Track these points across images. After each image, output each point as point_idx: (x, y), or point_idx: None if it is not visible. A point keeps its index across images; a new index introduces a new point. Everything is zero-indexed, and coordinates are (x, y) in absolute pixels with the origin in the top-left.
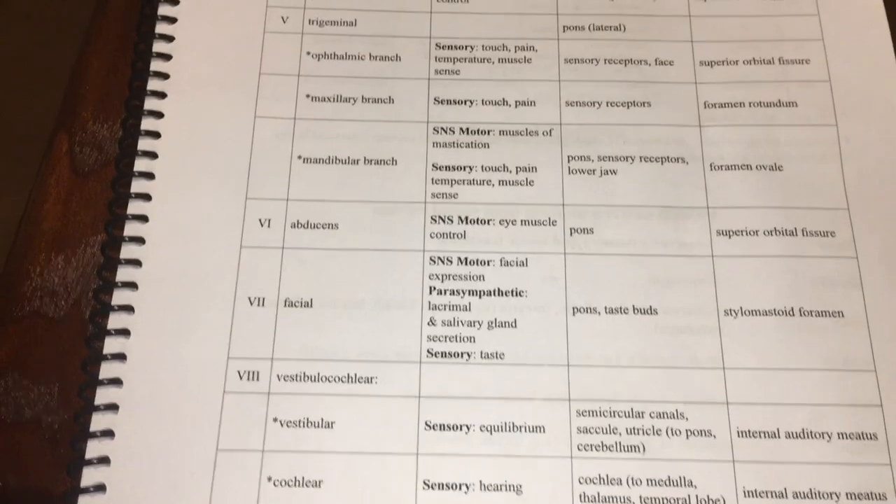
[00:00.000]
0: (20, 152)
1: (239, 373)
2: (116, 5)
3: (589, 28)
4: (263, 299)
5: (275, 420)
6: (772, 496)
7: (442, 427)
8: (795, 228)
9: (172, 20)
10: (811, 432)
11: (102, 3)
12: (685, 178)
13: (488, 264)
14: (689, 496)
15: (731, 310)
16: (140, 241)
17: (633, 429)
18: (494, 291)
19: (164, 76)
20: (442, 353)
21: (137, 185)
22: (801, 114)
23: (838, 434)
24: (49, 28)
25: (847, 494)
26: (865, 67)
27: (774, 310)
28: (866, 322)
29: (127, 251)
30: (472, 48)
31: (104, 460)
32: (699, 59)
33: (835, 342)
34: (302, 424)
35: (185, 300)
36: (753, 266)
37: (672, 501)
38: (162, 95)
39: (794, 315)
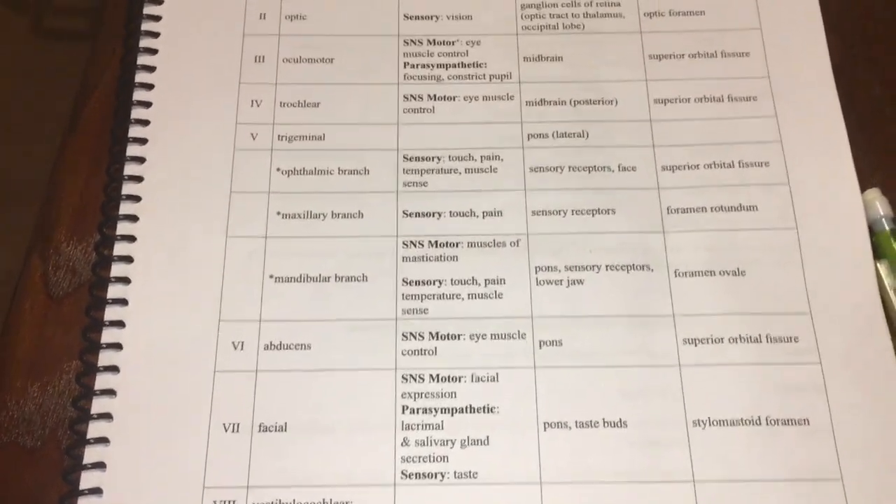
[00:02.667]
0: None
1: (215, 503)
2: (88, 124)
3: (553, 135)
4: (238, 425)
5: None
6: None
7: None
8: (759, 335)
9: (143, 141)
10: None
11: (75, 121)
12: (651, 286)
13: (460, 381)
14: None
15: (699, 420)
16: (114, 369)
17: None
18: (466, 408)
19: (136, 199)
20: (416, 475)
21: (111, 312)
22: (761, 217)
23: None
24: (22, 146)
25: None
26: (824, 169)
27: (741, 419)
28: (832, 429)
29: (101, 381)
30: (438, 159)
31: None
32: (661, 163)
33: (801, 451)
34: None
35: (160, 430)
36: (720, 375)
37: None
38: (134, 218)
39: (760, 424)
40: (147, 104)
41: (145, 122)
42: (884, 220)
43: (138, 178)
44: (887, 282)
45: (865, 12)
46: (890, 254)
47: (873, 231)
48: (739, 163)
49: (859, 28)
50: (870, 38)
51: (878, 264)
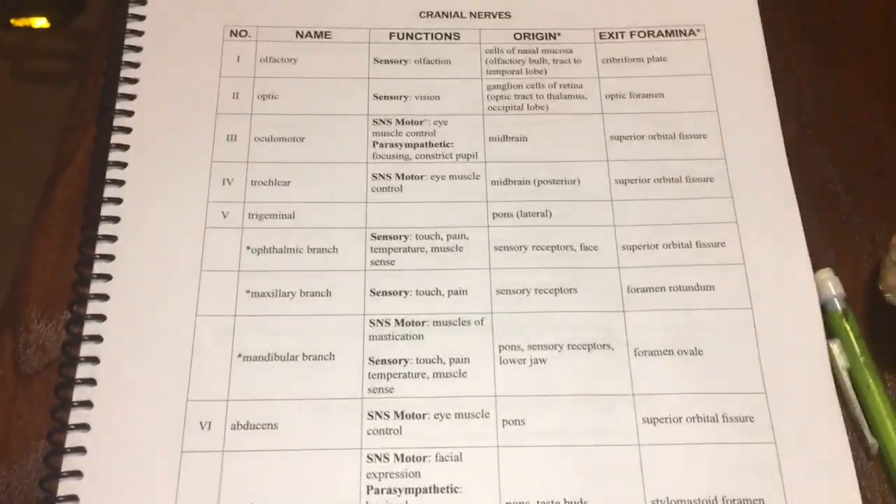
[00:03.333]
0: None
1: None
2: (61, 201)
3: (517, 215)
4: None
5: None
6: None
7: None
8: (716, 414)
9: (115, 219)
10: None
11: (47, 198)
12: (611, 366)
13: (424, 460)
14: None
15: (657, 500)
16: (82, 450)
17: None
18: (430, 489)
19: (107, 277)
20: None
21: (79, 392)
22: (717, 297)
23: None
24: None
25: None
26: (778, 249)
27: (699, 499)
28: None
29: (68, 462)
30: (405, 237)
31: None
32: (621, 243)
33: None
34: None
35: None
36: (678, 454)
37: None
38: (104, 297)
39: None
40: (120, 182)
41: (118, 201)
42: (836, 300)
43: (110, 257)
44: (840, 361)
45: (819, 95)
46: (842, 333)
47: (826, 311)
48: (697, 243)
49: (814, 110)
50: (823, 119)
51: (831, 344)
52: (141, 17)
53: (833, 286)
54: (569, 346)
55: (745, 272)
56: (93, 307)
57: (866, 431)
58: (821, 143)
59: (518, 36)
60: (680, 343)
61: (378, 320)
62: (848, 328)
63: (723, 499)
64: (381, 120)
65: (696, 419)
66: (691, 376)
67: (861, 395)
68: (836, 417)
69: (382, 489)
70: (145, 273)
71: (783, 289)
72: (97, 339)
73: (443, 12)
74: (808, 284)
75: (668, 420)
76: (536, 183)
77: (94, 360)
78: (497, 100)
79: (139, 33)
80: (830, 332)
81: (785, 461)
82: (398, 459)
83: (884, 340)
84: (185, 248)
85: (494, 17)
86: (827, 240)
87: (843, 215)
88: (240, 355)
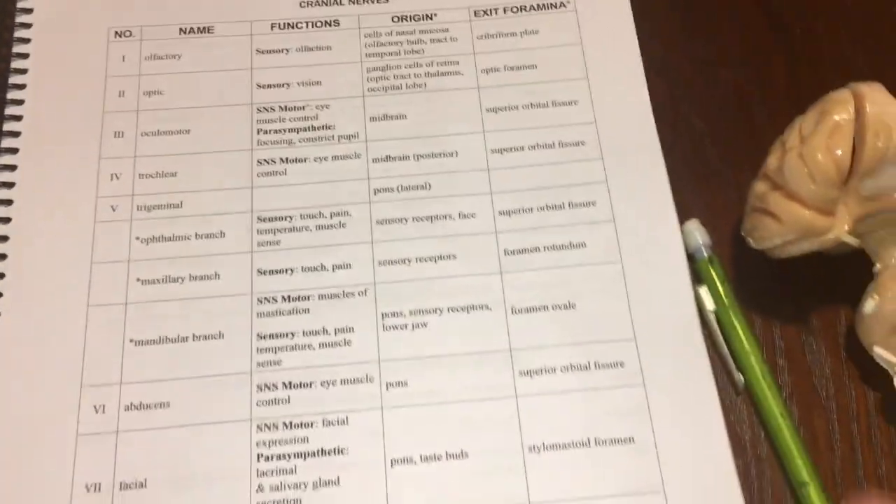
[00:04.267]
0: None
1: None
2: None
3: (398, 189)
4: (99, 485)
5: None
6: None
7: None
8: (588, 363)
9: (7, 220)
10: None
11: None
12: (489, 325)
13: (311, 426)
14: None
15: (534, 446)
16: None
17: None
18: (318, 452)
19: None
20: None
21: None
22: (589, 254)
23: None
24: None
25: None
26: (645, 204)
27: (573, 442)
28: (655, 447)
29: None
30: (290, 218)
31: None
32: (498, 209)
33: (627, 469)
34: None
35: (21, 498)
36: (553, 402)
37: None
38: None
39: (590, 445)
40: (10, 185)
41: (8, 202)
42: (703, 248)
43: (2, 256)
44: (707, 305)
45: (687, 57)
46: (709, 279)
47: (694, 260)
48: (569, 204)
49: (681, 70)
50: (691, 79)
51: (700, 290)
52: (28, 25)
53: (700, 235)
54: (449, 308)
55: (615, 228)
56: None
57: (733, 369)
58: (690, 101)
59: (396, 19)
60: (554, 299)
61: (265, 298)
62: (714, 274)
63: (595, 440)
64: (264, 108)
65: (569, 368)
66: (565, 329)
67: (727, 335)
68: (702, 358)
69: (272, 455)
70: (37, 270)
71: (651, 241)
72: None
73: (323, 1)
74: (674, 235)
75: (543, 371)
76: (416, 158)
77: None
78: (377, 81)
79: (26, 40)
80: (699, 279)
81: (654, 401)
82: (287, 427)
83: (749, 283)
84: (76, 244)
85: (372, 2)
86: (698, 191)
87: (711, 166)
88: (132, 340)
